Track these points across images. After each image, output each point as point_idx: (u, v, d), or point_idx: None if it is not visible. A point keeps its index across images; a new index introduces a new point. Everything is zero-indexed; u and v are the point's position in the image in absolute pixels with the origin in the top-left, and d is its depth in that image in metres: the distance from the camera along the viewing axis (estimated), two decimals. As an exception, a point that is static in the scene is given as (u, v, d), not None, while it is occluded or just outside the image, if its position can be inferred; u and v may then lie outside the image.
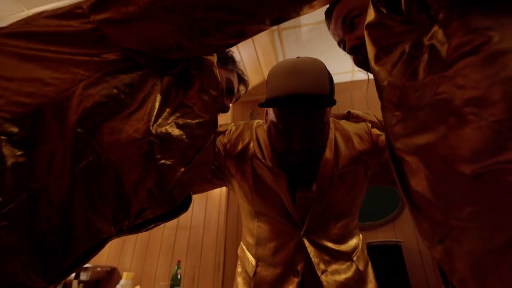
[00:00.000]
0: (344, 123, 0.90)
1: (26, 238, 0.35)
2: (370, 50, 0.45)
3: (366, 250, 0.92)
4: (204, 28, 0.44)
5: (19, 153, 0.35)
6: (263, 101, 0.72)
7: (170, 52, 0.47)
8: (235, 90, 0.79)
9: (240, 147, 0.88)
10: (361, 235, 0.92)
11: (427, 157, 0.35)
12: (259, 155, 0.84)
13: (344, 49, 0.65)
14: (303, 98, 0.67)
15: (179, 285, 2.04)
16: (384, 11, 0.41)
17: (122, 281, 2.16)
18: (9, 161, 0.34)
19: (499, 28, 0.29)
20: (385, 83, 0.42)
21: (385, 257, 1.72)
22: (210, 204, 2.46)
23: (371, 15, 0.44)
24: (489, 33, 0.30)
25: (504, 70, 0.28)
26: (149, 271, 2.36)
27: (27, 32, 0.41)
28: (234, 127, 0.94)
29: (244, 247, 0.93)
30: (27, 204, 0.35)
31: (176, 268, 2.10)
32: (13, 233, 0.34)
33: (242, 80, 0.84)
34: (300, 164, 0.76)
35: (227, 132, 0.94)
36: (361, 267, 0.82)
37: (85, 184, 0.40)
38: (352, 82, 2.70)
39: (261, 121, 0.96)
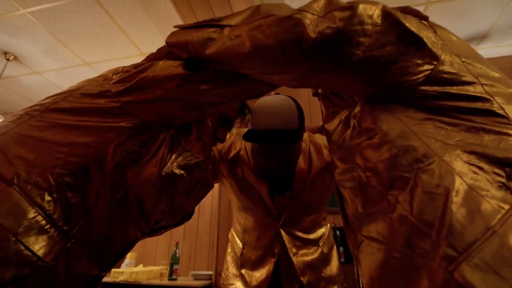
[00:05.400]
0: (317, 136, 1.09)
1: (87, 247, 0.55)
2: (323, 112, 0.63)
3: (332, 236, 1.15)
4: (199, 106, 0.62)
5: (76, 195, 0.53)
6: (246, 132, 0.90)
7: (174, 120, 0.65)
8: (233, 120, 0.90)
9: (232, 153, 1.07)
10: (328, 225, 1.15)
11: (349, 194, 0.54)
12: (247, 163, 1.03)
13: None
14: (275, 133, 0.88)
15: (177, 263, 2.30)
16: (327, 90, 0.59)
17: (126, 261, 2.40)
18: (72, 201, 0.52)
19: (385, 125, 0.47)
20: (330, 140, 0.61)
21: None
22: (204, 191, 2.68)
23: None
24: (381, 126, 0.47)
25: (384, 154, 0.45)
26: (149, 252, 2.64)
27: (70, 108, 0.57)
28: (227, 135, 1.12)
29: (233, 233, 1.16)
30: (85, 226, 0.54)
31: (175, 248, 2.35)
32: (78, 245, 0.53)
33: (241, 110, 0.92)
34: (276, 176, 0.97)
35: None
36: (325, 251, 1.05)
37: (120, 209, 0.59)
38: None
39: None
